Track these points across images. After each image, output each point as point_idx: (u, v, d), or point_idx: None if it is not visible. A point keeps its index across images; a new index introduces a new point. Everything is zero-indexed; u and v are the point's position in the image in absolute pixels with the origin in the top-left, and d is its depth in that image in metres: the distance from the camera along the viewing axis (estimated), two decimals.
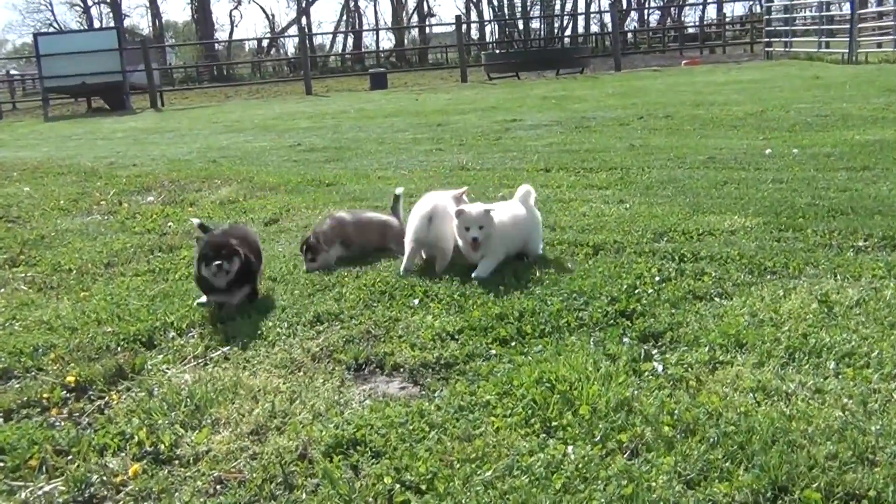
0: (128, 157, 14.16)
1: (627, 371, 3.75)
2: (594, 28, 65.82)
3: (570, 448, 3.11)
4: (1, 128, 25.63)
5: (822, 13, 33.11)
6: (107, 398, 4.05)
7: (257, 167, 11.73)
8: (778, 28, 34.68)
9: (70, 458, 3.42)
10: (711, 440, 3.07)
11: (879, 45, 28.54)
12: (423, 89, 29.66)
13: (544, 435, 3.26)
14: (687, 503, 2.72)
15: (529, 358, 3.98)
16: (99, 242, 7.53)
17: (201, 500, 3.04)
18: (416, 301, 4.97)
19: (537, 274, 5.29)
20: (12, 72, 39.83)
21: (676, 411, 3.31)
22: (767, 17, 35.58)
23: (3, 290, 6.23)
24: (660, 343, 4.13)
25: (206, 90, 39.46)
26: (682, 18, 73.87)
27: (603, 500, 2.74)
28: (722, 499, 2.73)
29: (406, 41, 72.29)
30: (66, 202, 9.89)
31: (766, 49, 34.55)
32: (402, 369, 4.11)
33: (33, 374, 4.40)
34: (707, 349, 3.94)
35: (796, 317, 4.24)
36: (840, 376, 3.56)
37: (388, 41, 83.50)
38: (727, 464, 2.91)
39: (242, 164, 12.19)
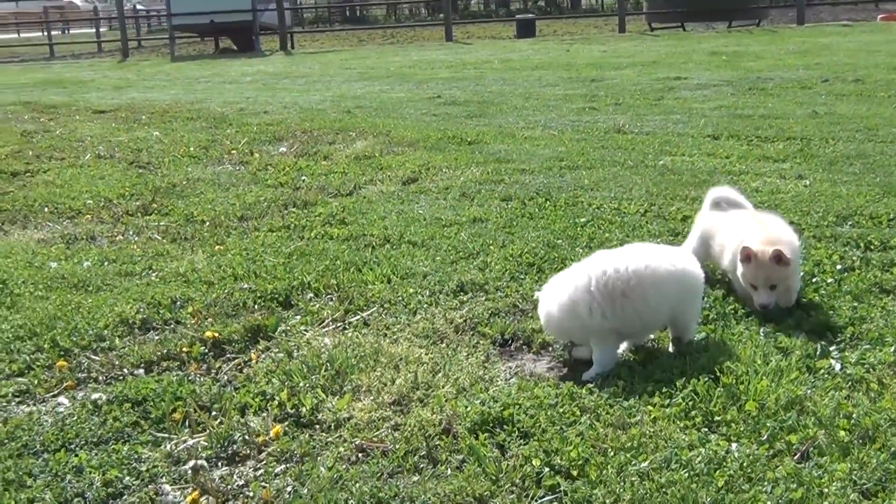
0: (258, 104, 14.78)
1: (801, 367, 3.78)
2: None
3: (734, 445, 3.20)
4: (128, 67, 27.08)
5: None
6: (246, 357, 4.37)
7: (394, 120, 12.04)
8: None
9: (212, 414, 3.74)
10: (893, 449, 3.09)
11: None
12: (574, 39, 29.45)
13: (706, 429, 3.35)
14: None
15: (692, 346, 4.05)
16: (231, 194, 7.98)
17: (343, 466, 3.29)
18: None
19: None
20: (138, 6, 41.73)
21: (854, 415, 3.34)
22: None
23: (137, 238, 6.72)
24: (839, 339, 4.12)
25: (337, 33, 40.39)
26: None
27: (769, 503, 2.82)
28: None
29: None
30: (196, 149, 10.46)
31: None
32: (551, 348, 4.26)
33: (172, 326, 4.79)
34: (893, 349, 3.92)
35: None
36: None
37: None
38: None
39: (378, 116, 12.54)
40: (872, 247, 5.36)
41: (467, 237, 5.99)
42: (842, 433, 3.22)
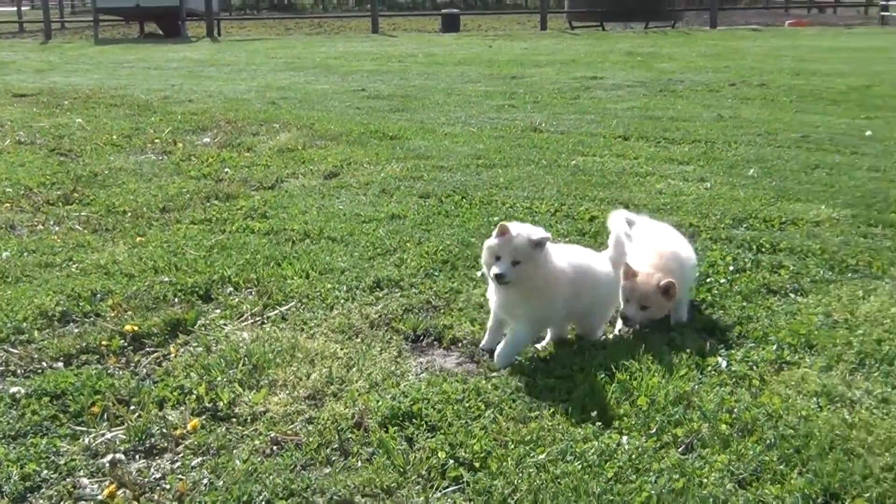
0: (183, 92, 14.61)
1: (690, 365, 3.99)
2: None
3: (624, 438, 3.38)
4: (50, 49, 26.38)
5: None
6: (165, 351, 4.41)
7: (319, 112, 12.05)
8: None
9: (131, 408, 3.79)
10: (768, 442, 3.31)
11: None
12: (497, 34, 29.66)
13: (600, 423, 3.52)
14: (737, 502, 2.97)
15: (593, 344, 4.24)
16: (154, 185, 7.93)
17: (258, 459, 3.38)
18: (479, 273, 5.24)
19: None
20: None
21: (736, 410, 3.56)
22: None
23: (58, 228, 6.66)
24: (727, 337, 4.36)
25: (265, 21, 39.96)
26: None
27: (653, 493, 3.01)
28: (772, 501, 2.97)
29: None
30: (118, 138, 10.33)
31: (882, 13, 33.69)
32: (460, 344, 4.40)
33: (92, 319, 4.80)
34: (775, 348, 4.16)
35: (872, 321, 4.42)
36: None
37: None
38: (781, 466, 3.15)
39: (303, 109, 12.53)
40: (763, 249, 5.62)
41: (385, 234, 6.09)
42: (723, 427, 3.43)
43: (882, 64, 17.62)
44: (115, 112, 12.52)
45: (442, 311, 4.78)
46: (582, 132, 10.31)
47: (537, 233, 4.12)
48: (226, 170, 8.54)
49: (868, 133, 9.76)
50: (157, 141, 10.14)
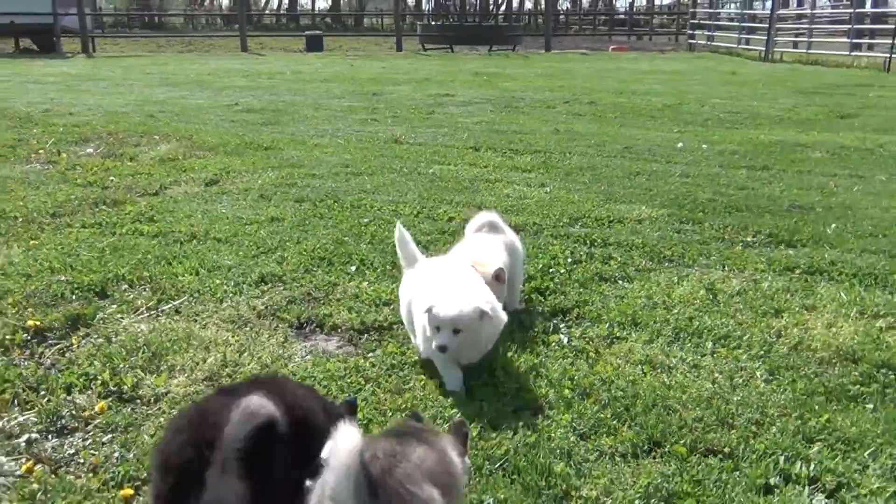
0: (63, 105, 14.09)
1: (537, 341, 4.28)
2: (528, 5, 66.34)
3: (485, 404, 3.62)
4: None
5: (745, 10, 34.25)
6: (67, 342, 4.38)
7: (195, 125, 11.88)
8: (702, 21, 35.77)
9: (40, 393, 3.77)
10: (603, 402, 3.62)
11: (795, 45, 29.75)
12: (358, 54, 29.76)
13: (464, 393, 3.75)
14: (579, 451, 3.26)
15: None
16: (42, 192, 7.70)
17: (154, 437, 3.43)
18: (353, 268, 5.41)
19: None
20: None
21: (576, 377, 3.86)
22: (693, 8, 36.62)
23: None
24: (567, 318, 4.67)
25: (136, 39, 38.66)
26: (614, 2, 74.91)
27: (510, 447, 3.25)
28: (608, 449, 3.27)
29: (342, 4, 71.60)
30: (2, 148, 9.91)
31: (690, 41, 35.64)
32: (340, 329, 4.55)
33: None
34: (607, 325, 4.50)
35: (685, 301, 4.83)
36: (715, 355, 4.15)
37: (324, 1, 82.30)
38: (614, 422, 3.46)
39: (180, 121, 12.32)
40: (596, 244, 6.00)
41: (266, 234, 6.16)
42: (566, 391, 3.73)
43: (689, 85, 18.70)
44: None
45: (322, 301, 4.91)
46: (438, 143, 10.56)
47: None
48: (111, 178, 8.36)
49: (680, 145, 10.42)
50: (41, 151, 9.79)
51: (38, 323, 4.53)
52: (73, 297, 4.99)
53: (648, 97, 15.95)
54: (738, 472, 3.06)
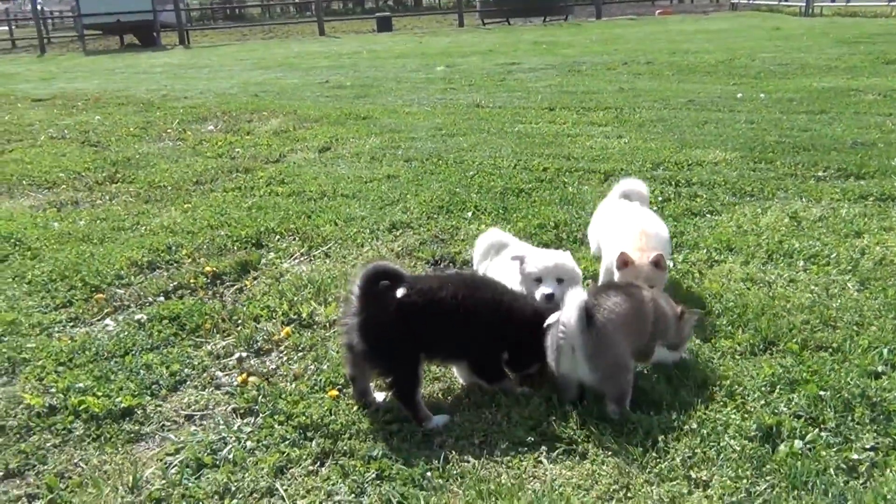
0: (176, 90, 14.55)
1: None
2: None
3: None
4: (47, 61, 25.66)
5: None
6: (241, 283, 4.72)
7: (297, 102, 12.20)
8: None
9: (234, 324, 4.11)
10: (717, 312, 3.81)
11: None
12: (423, 32, 29.76)
13: None
14: (704, 352, 3.46)
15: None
16: (181, 164, 8.10)
17: (339, 352, 3.73)
18: (469, 214, 5.64)
19: (567, 191, 5.98)
20: (46, 9, 39.21)
21: (689, 293, 4.04)
22: None
23: (114, 201, 6.83)
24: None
25: (222, 30, 39.15)
26: None
27: None
28: (728, 350, 3.47)
29: None
30: (136, 129, 10.37)
31: (732, 0, 34.70)
32: (471, 264, 4.79)
33: (175, 266, 5.06)
34: (705, 251, 4.66)
35: (773, 228, 4.96)
36: (808, 271, 4.29)
37: None
38: (729, 328, 3.65)
39: (282, 99, 12.65)
40: (680, 184, 6.13)
41: (386, 189, 6.43)
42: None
43: (737, 42, 18.35)
44: (125, 109, 12.46)
45: (448, 242, 5.16)
46: (515, 106, 10.69)
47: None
48: (236, 149, 8.72)
49: (739, 95, 10.37)
50: (169, 131, 10.22)
51: (214, 269, 4.88)
52: (235, 247, 5.33)
53: (700, 55, 15.74)
54: (847, 363, 3.24)
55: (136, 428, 3.18)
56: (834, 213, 5.20)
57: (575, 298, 2.89)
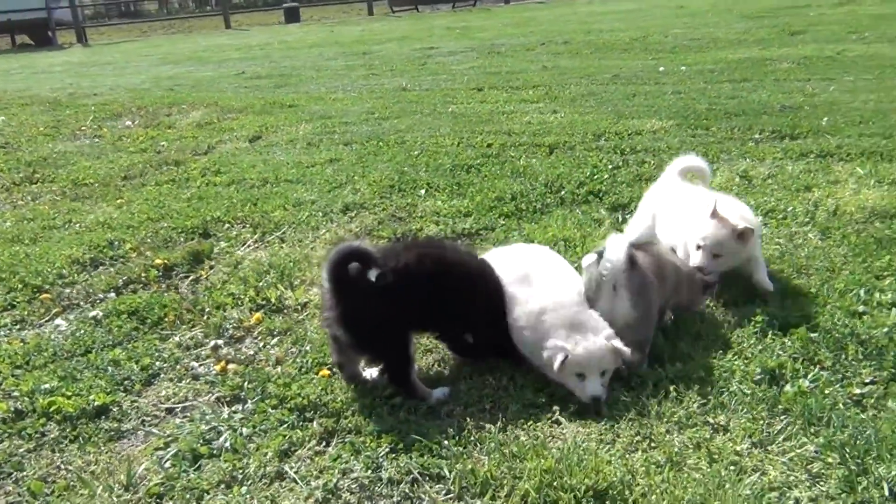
0: (84, 88, 13.90)
1: (612, 229, 4.50)
2: None
3: None
4: None
5: None
6: (196, 274, 4.53)
7: (216, 93, 11.82)
8: None
9: (199, 313, 3.93)
10: None
11: None
12: (334, 22, 29.36)
13: None
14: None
15: (535, 225, 4.67)
16: (104, 161, 7.73)
17: (318, 334, 3.62)
18: (423, 191, 5.57)
19: (517, 164, 5.97)
20: None
21: None
22: None
23: (39, 199, 6.48)
24: (627, 211, 4.88)
25: (120, 27, 37.72)
26: None
27: None
28: (711, 303, 3.51)
29: None
30: (46, 129, 9.85)
31: None
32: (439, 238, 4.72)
33: (121, 261, 4.81)
34: None
35: (725, 187, 5.06)
36: (768, 225, 4.40)
37: None
38: None
39: (200, 91, 12.24)
40: (626, 152, 6.20)
41: (332, 172, 6.28)
42: None
43: (646, 20, 18.72)
44: (30, 109, 11.82)
45: (407, 220, 5.08)
46: (443, 88, 10.63)
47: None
48: (161, 143, 8.39)
49: (661, 69, 10.58)
50: (83, 128, 9.76)
51: (165, 261, 4.67)
52: (182, 238, 5.12)
53: (615, 33, 16.00)
54: (829, 306, 3.32)
55: (116, 425, 3.00)
56: (780, 170, 5.35)
57: (619, 240, 2.99)
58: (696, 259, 3.44)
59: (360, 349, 3.02)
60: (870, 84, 8.29)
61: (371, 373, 3.11)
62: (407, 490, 2.42)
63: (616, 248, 2.98)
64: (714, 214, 3.44)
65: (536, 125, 7.51)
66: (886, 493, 2.19)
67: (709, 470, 2.34)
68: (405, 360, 2.96)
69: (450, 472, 2.44)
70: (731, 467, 2.36)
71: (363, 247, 3.01)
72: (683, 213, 3.69)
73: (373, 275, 2.86)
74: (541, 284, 3.11)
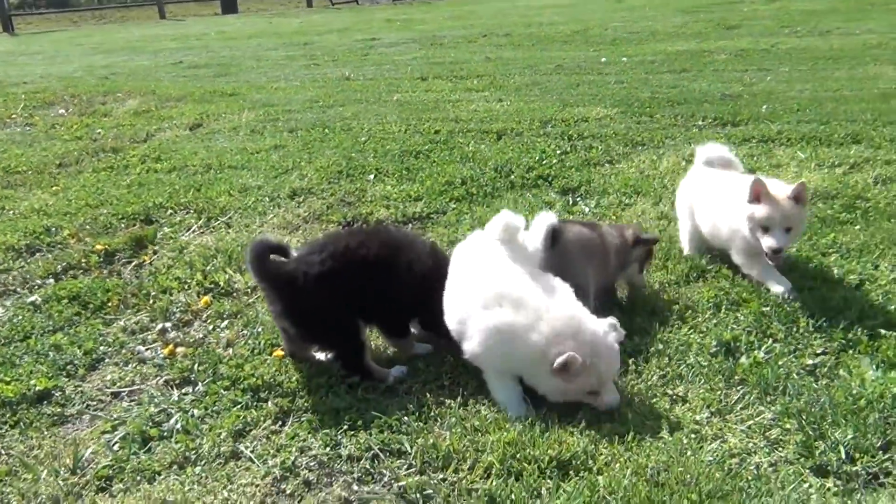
0: (11, 76, 13.38)
1: (564, 211, 4.52)
2: None
3: None
4: None
5: None
6: (139, 260, 4.38)
7: (153, 82, 11.51)
8: None
9: (145, 298, 3.80)
10: None
11: None
12: (271, 14, 28.94)
13: None
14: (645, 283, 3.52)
15: (487, 208, 4.65)
16: (37, 148, 7.45)
17: (270, 316, 3.53)
18: (372, 176, 5.50)
19: (465, 149, 5.95)
20: None
21: None
22: None
23: None
24: (577, 194, 4.91)
25: (48, 16, 36.47)
26: None
27: None
28: (665, 280, 3.54)
29: None
30: None
31: None
32: (385, 222, 4.67)
33: (59, 247, 4.64)
34: (614, 196, 4.76)
35: (673, 171, 5.13)
36: None
37: None
38: (660, 262, 3.72)
39: (136, 80, 11.90)
40: (573, 138, 6.23)
41: (277, 158, 6.16)
42: None
43: (584, 13, 18.91)
44: None
45: (356, 204, 5.01)
46: (386, 77, 10.55)
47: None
48: (97, 130, 8.13)
49: (603, 59, 10.70)
50: (13, 116, 9.39)
51: (106, 246, 4.51)
52: (122, 225, 4.95)
53: (555, 26, 16.13)
54: None
55: (59, 410, 2.88)
56: None
57: (543, 219, 2.96)
58: (770, 242, 3.17)
59: (309, 341, 2.96)
60: (804, 74, 8.52)
61: (327, 356, 3.05)
62: (368, 466, 2.38)
63: (537, 228, 2.98)
64: (758, 195, 3.22)
65: (483, 113, 7.50)
66: (843, 455, 2.23)
67: (670, 438, 2.35)
68: (357, 347, 2.90)
69: (411, 447, 2.41)
70: (692, 436, 2.37)
71: (270, 238, 3.03)
72: (723, 201, 3.48)
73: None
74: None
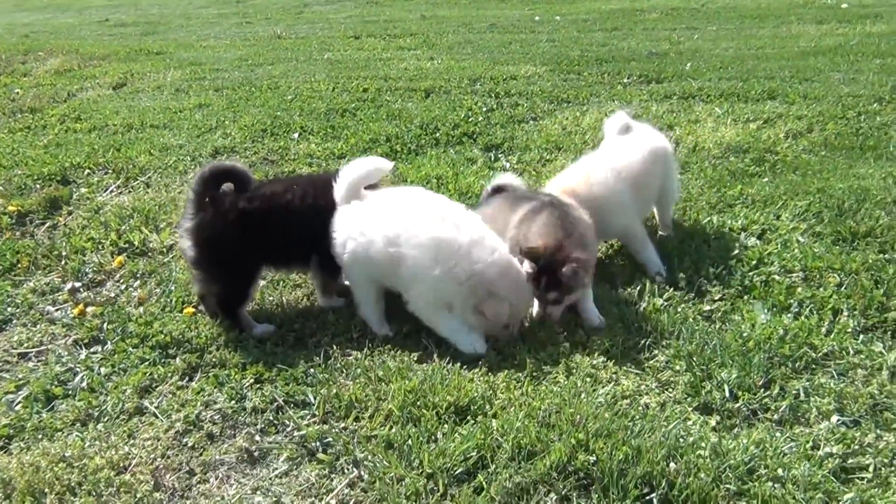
0: None
1: (485, 167, 4.55)
2: None
3: None
4: None
5: None
6: (53, 221, 4.29)
7: (76, 41, 11.16)
8: None
9: (56, 259, 3.74)
10: None
11: None
12: None
13: None
14: None
15: (409, 165, 4.66)
16: None
17: (186, 275, 3.52)
18: (296, 135, 5.46)
19: (392, 107, 5.93)
20: None
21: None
22: None
23: None
24: (500, 150, 4.95)
25: None
26: None
27: None
28: None
29: None
30: None
31: None
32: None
33: None
34: (536, 152, 4.82)
35: (594, 128, 5.19)
36: None
37: None
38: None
39: (58, 39, 11.53)
40: (500, 95, 6.26)
41: (201, 117, 6.06)
42: None
43: None
44: None
45: (279, 162, 4.98)
46: (319, 36, 10.44)
47: None
48: (15, 90, 7.86)
49: (537, 18, 10.74)
50: None
51: (19, 207, 4.40)
52: (38, 185, 4.82)
53: None
54: (685, 232, 3.48)
55: None
56: (646, 111, 5.53)
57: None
58: None
59: (200, 266, 2.97)
60: (731, 33, 8.67)
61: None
62: (271, 417, 2.41)
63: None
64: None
65: (413, 71, 7.48)
66: (727, 394, 2.34)
67: (566, 382, 2.43)
68: (242, 294, 2.96)
69: (315, 397, 2.44)
70: (588, 379, 2.46)
71: (241, 168, 3.03)
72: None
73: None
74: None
